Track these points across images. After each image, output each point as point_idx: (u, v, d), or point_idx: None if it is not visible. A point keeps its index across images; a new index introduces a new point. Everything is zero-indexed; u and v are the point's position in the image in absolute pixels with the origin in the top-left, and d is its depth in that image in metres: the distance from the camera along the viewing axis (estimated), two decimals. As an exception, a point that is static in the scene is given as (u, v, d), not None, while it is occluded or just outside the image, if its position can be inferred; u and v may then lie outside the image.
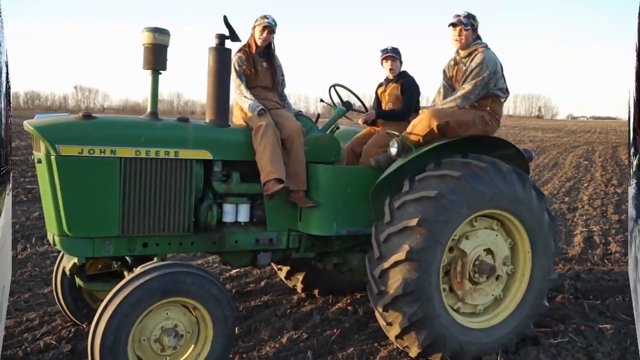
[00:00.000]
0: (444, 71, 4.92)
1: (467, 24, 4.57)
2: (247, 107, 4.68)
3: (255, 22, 4.86)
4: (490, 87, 4.55)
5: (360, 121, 5.54)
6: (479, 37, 4.71)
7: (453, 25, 4.60)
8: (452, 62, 4.86)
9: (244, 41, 4.88)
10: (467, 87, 4.51)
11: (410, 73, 5.46)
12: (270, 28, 4.81)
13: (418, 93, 5.41)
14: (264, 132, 4.37)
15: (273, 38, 4.94)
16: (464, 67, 4.64)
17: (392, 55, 5.37)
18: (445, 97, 4.88)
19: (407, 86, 5.35)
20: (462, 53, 4.71)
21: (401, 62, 5.45)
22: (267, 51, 4.96)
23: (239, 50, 4.94)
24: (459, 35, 4.60)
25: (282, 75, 5.12)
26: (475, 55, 4.57)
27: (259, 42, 4.87)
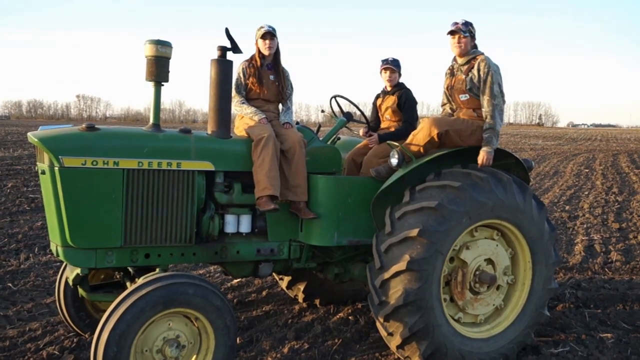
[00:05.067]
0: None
1: (466, 31, 4.63)
2: (249, 113, 4.72)
3: (255, 35, 4.90)
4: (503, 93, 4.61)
5: (360, 132, 5.56)
6: (475, 46, 4.76)
7: (452, 33, 4.65)
8: (448, 72, 4.90)
9: (248, 54, 4.91)
10: (491, 100, 4.49)
11: (409, 83, 5.51)
12: (270, 33, 4.83)
13: (415, 103, 5.44)
14: (264, 144, 4.39)
15: (278, 48, 4.97)
16: (464, 76, 4.66)
17: (391, 67, 5.41)
18: (443, 104, 4.97)
19: (404, 100, 5.35)
20: (460, 61, 4.74)
21: (400, 75, 5.48)
22: (275, 62, 4.98)
23: (247, 61, 4.95)
24: (458, 42, 4.65)
25: (291, 89, 5.09)
26: (479, 63, 4.60)
27: (265, 52, 4.87)
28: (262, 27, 4.83)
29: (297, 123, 5.13)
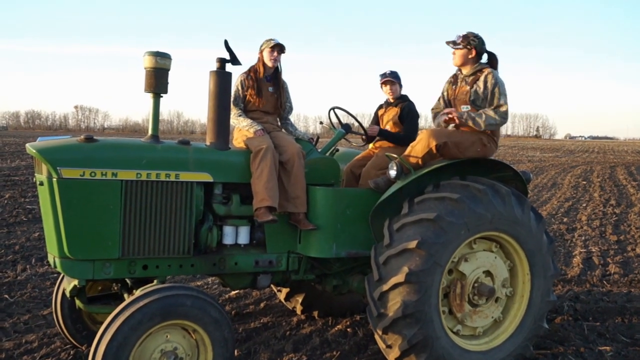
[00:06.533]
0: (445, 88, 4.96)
1: (459, 44, 4.65)
2: (245, 126, 4.73)
3: (262, 45, 4.91)
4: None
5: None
6: (481, 58, 4.77)
7: (449, 44, 4.71)
8: (451, 79, 4.89)
9: (247, 65, 4.93)
10: (503, 107, 4.51)
11: (411, 95, 5.53)
12: (280, 47, 4.87)
13: (417, 116, 5.47)
14: (262, 156, 4.39)
15: (280, 62, 4.99)
16: (469, 87, 4.65)
17: (390, 79, 5.43)
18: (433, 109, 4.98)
19: (406, 112, 5.39)
20: (465, 71, 4.75)
21: (400, 86, 5.51)
22: (274, 75, 5.00)
23: (245, 73, 4.97)
24: (453, 53, 4.71)
25: (289, 102, 5.14)
26: (485, 76, 4.60)
27: (269, 63, 4.90)
28: (272, 40, 4.86)
29: (313, 140, 5.15)
